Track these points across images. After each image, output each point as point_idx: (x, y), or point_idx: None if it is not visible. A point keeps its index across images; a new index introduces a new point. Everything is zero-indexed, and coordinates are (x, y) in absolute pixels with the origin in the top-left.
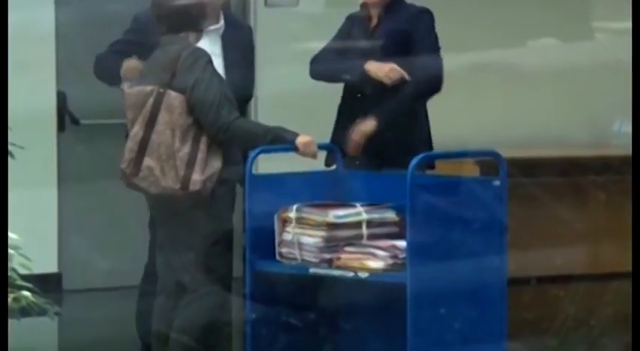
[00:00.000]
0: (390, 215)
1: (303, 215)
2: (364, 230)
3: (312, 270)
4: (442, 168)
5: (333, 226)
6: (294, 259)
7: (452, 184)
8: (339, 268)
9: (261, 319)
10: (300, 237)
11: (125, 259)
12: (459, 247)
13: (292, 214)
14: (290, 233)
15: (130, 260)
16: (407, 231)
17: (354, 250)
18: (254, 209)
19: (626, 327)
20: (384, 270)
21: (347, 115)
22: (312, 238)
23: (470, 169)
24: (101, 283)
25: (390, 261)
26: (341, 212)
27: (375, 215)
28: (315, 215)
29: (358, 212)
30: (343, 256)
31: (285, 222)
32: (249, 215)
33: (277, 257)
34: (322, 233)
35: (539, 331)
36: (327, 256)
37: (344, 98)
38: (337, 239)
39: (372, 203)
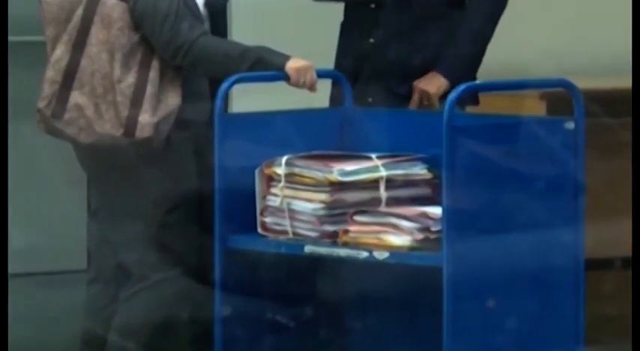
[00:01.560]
0: (419, 171)
1: (297, 171)
2: (382, 192)
3: (308, 248)
4: (493, 104)
5: (338, 186)
6: (283, 232)
7: (506, 127)
8: (346, 245)
9: (236, 317)
10: (292, 202)
11: (43, 236)
12: (515, 216)
13: (281, 170)
14: (277, 197)
15: (50, 237)
16: (443, 193)
17: (368, 221)
18: (226, 163)
19: None
20: (411, 248)
21: (355, 33)
22: (309, 204)
23: (532, 106)
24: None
25: (420, 235)
26: (350, 167)
27: (398, 171)
28: (313, 171)
29: (374, 167)
30: (353, 228)
31: (270, 181)
32: (220, 171)
33: (259, 230)
34: (323, 196)
35: (626, 330)
36: (330, 228)
37: (348, 11)
38: (344, 205)
39: (393, 154)
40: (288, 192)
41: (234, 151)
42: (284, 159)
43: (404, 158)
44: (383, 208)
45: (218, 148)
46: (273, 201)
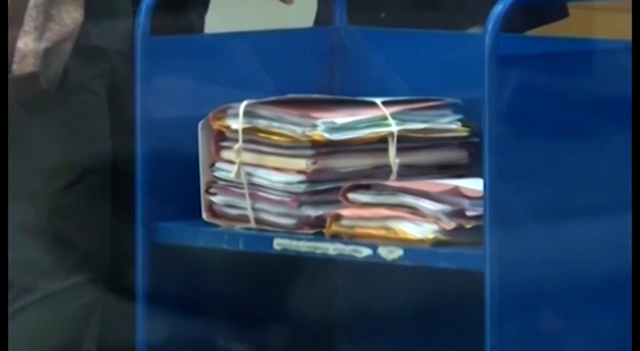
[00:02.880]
0: (449, 124)
1: (262, 124)
2: (393, 157)
3: (278, 243)
4: (554, 27)
5: (325, 147)
6: (241, 219)
7: (573, 56)
8: (337, 238)
9: (168, 343)
10: (255, 173)
11: None
12: (591, 194)
13: (237, 123)
14: (232, 165)
15: None
16: (485, 158)
17: (371, 201)
18: (153, 113)
19: None
20: (436, 242)
21: None
22: (281, 175)
23: (606, 22)
24: None
25: (449, 223)
26: (343, 118)
27: (417, 125)
28: (286, 125)
29: (380, 118)
30: (348, 212)
31: (220, 140)
32: (143, 127)
33: (204, 216)
34: (302, 164)
35: None
36: (313, 213)
37: None
38: (335, 177)
39: (409, 98)
40: (248, 157)
41: (165, 94)
42: (242, 106)
43: (425, 104)
44: (394, 182)
45: (140, 91)
46: (226, 171)
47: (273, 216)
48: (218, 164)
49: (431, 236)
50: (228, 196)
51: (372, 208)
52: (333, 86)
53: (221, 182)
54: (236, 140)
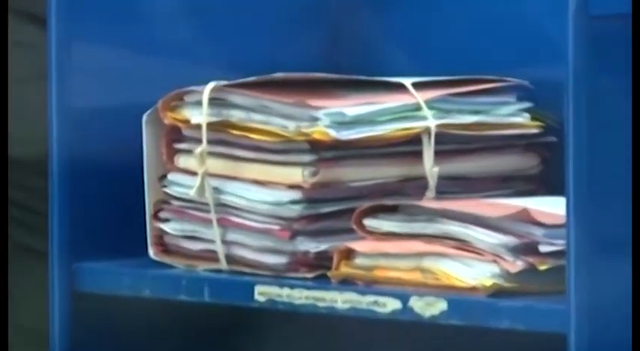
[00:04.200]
0: (512, 118)
1: (236, 117)
2: (429, 164)
3: (261, 292)
4: None
5: (330, 150)
6: (207, 258)
7: None
8: (348, 284)
9: None
10: (226, 187)
11: None
12: None
13: (200, 114)
14: (193, 176)
15: None
16: (566, 167)
17: (397, 230)
18: (72, 99)
19: None
20: (495, 291)
21: None
22: (265, 192)
23: None
24: None
25: (515, 263)
26: (354, 107)
27: (465, 117)
28: (274, 116)
29: (410, 107)
30: (363, 247)
31: (175, 140)
32: (58, 119)
33: (150, 252)
34: (297, 175)
35: None
36: (313, 248)
37: None
38: (343, 195)
39: (450, 79)
40: (216, 165)
41: (89, 74)
42: (207, 90)
43: (477, 87)
44: (431, 201)
45: (55, 70)
46: (183, 186)
47: (254, 252)
48: (172, 176)
49: (488, 282)
50: (186, 223)
51: (399, 239)
52: (340, 60)
53: (176, 202)
54: (198, 140)
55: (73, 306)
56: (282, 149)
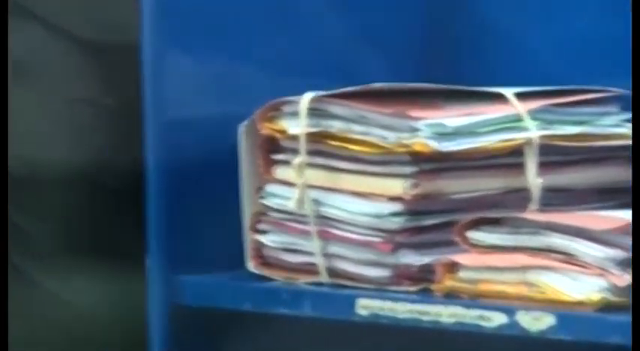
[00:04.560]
0: (615, 129)
1: (335, 128)
2: (533, 176)
3: (363, 305)
4: None
5: (432, 162)
6: (307, 271)
7: None
8: (453, 298)
9: None
10: (326, 199)
11: None
12: None
13: (298, 125)
14: (292, 188)
15: None
16: None
17: (501, 243)
18: (165, 109)
19: None
20: (604, 305)
21: None
22: (366, 204)
23: None
24: None
25: (623, 276)
26: (455, 118)
27: (568, 129)
28: (373, 127)
29: (512, 118)
30: (467, 260)
31: (271, 150)
32: (154, 131)
33: (249, 265)
34: (399, 187)
35: None
36: (415, 261)
37: None
38: (446, 207)
39: (552, 89)
40: (315, 176)
41: (184, 84)
42: (305, 100)
43: (579, 97)
44: (535, 214)
45: (150, 82)
46: (282, 198)
47: (355, 265)
48: (269, 187)
49: (596, 297)
50: (285, 235)
51: (503, 252)
52: (438, 69)
53: (274, 214)
54: (296, 151)
55: (170, 318)
56: (382, 161)
